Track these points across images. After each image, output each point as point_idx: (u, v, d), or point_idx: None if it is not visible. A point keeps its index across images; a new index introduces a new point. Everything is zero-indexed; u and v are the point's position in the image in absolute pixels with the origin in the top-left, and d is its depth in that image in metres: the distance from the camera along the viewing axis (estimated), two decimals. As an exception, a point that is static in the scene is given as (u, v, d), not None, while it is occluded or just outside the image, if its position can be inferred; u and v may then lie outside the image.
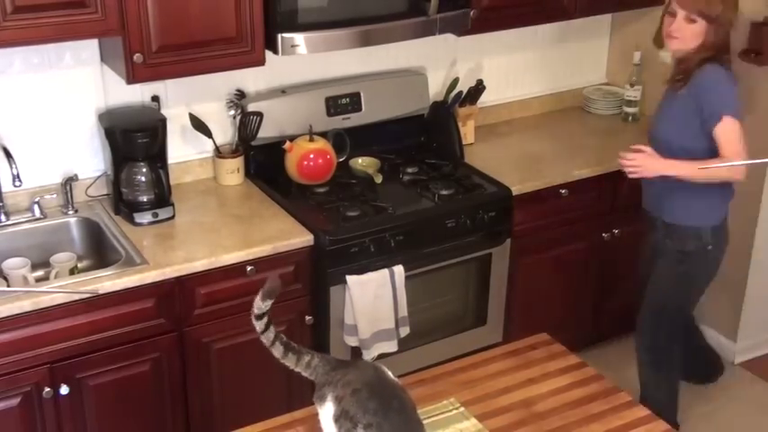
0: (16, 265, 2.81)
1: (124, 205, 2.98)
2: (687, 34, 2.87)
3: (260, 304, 1.97)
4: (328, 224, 2.99)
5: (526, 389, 2.25)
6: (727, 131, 2.87)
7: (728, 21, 2.89)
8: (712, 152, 2.90)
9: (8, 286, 2.71)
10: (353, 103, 3.42)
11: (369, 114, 3.46)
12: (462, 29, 3.24)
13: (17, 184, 2.82)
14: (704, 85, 2.87)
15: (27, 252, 2.89)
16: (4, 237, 2.90)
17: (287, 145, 3.18)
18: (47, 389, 2.64)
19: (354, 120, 3.43)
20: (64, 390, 2.66)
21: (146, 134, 2.93)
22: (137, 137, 2.92)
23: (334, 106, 3.38)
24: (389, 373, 1.94)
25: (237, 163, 3.25)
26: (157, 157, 2.99)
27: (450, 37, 3.36)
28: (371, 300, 2.99)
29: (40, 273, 2.88)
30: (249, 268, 2.83)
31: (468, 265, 3.30)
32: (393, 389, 1.87)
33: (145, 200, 2.98)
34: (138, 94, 3.09)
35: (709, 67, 2.87)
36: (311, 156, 3.17)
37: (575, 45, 4.04)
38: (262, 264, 2.85)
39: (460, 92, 3.62)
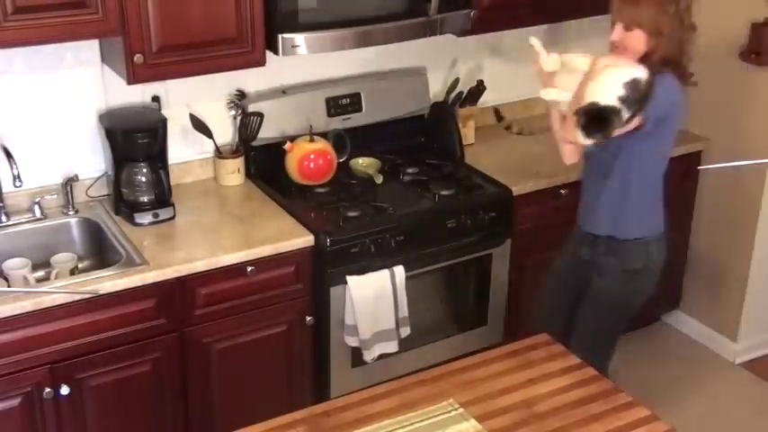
0: (17, 266, 2.81)
1: (125, 206, 2.98)
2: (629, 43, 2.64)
3: None
4: (329, 224, 2.99)
5: (526, 389, 2.25)
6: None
7: (671, 31, 2.61)
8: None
9: (9, 286, 2.71)
10: (354, 103, 3.42)
11: (369, 115, 3.46)
12: (463, 29, 3.24)
13: (18, 184, 2.82)
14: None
15: (27, 252, 2.88)
16: (5, 237, 2.90)
17: (287, 145, 3.18)
18: (47, 389, 2.64)
19: (355, 120, 3.43)
20: (64, 390, 2.66)
21: (146, 134, 2.94)
22: (137, 137, 2.92)
23: (334, 106, 3.38)
24: None
25: (238, 163, 3.25)
26: (158, 158, 2.99)
27: (450, 37, 3.36)
28: (372, 300, 2.99)
29: (40, 273, 2.88)
30: (249, 269, 2.83)
31: (469, 265, 3.30)
32: None
33: (145, 200, 2.98)
34: (139, 94, 3.09)
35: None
36: (312, 156, 3.17)
37: (575, 45, 4.03)
38: (262, 264, 2.86)
39: (461, 92, 3.62)
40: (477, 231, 3.24)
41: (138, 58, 2.71)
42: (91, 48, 2.96)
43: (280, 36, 2.85)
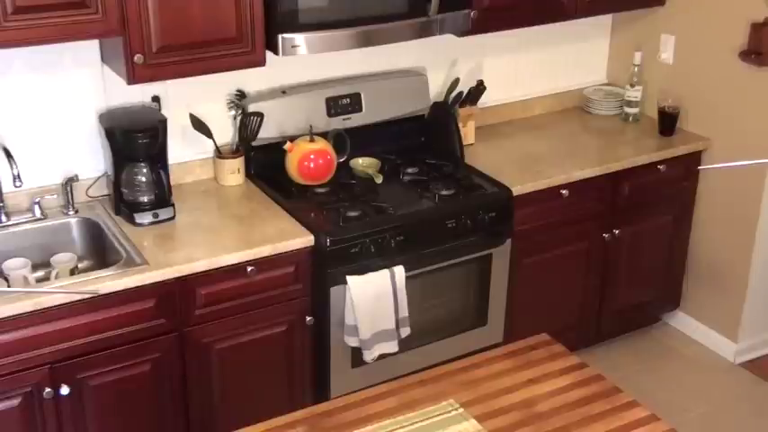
0: (17, 266, 2.81)
1: (125, 206, 2.98)
2: None
3: None
4: (329, 225, 2.99)
5: (526, 389, 2.25)
6: None
7: None
8: None
9: (9, 287, 2.71)
10: (354, 103, 3.42)
11: (369, 115, 3.46)
12: (462, 29, 3.24)
13: (18, 184, 2.82)
14: None
15: (28, 252, 2.89)
16: (5, 237, 2.90)
17: (287, 145, 3.19)
18: (47, 389, 2.64)
19: (355, 120, 3.43)
20: (64, 390, 2.66)
21: (146, 134, 2.94)
22: (137, 137, 2.92)
23: (334, 107, 3.38)
24: None
25: (238, 163, 3.25)
26: (158, 158, 2.99)
27: (450, 37, 3.36)
28: (372, 300, 2.99)
29: (40, 273, 2.88)
30: (249, 269, 2.83)
31: (469, 265, 3.30)
32: None
33: (145, 200, 2.98)
34: (139, 94, 3.09)
35: None
36: (312, 156, 3.17)
37: (575, 45, 4.04)
38: (262, 264, 2.86)
39: (461, 92, 3.62)
40: (477, 231, 3.24)
41: (138, 58, 2.71)
42: (91, 48, 2.96)
43: (280, 36, 2.85)
